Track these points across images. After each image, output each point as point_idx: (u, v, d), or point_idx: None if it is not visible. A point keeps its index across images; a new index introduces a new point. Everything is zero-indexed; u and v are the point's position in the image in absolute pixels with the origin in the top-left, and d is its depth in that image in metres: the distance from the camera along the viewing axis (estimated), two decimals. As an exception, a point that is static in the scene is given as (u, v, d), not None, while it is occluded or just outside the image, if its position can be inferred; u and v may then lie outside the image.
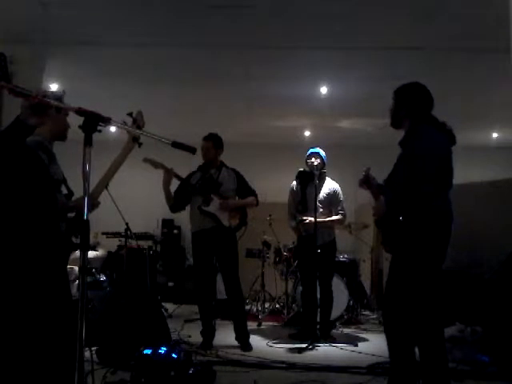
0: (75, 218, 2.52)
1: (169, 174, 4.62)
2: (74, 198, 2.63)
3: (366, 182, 3.25)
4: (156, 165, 4.61)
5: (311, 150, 5.23)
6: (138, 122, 2.57)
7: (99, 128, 1.87)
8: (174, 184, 4.76)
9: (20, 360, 2.22)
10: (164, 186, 4.65)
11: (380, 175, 3.31)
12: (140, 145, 2.59)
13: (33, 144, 2.40)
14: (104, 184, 2.55)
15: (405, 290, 2.98)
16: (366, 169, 3.29)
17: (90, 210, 2.15)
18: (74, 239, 2.53)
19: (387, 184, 3.14)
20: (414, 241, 2.93)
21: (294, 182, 5.31)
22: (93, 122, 1.85)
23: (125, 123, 2.48)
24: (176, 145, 2.02)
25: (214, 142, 4.83)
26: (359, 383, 3.69)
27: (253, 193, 4.94)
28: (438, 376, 2.90)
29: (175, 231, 8.87)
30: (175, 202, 4.78)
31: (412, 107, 3.06)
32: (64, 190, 2.61)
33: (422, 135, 2.98)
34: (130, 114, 2.56)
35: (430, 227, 2.92)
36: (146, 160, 4.58)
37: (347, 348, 4.85)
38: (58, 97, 2.47)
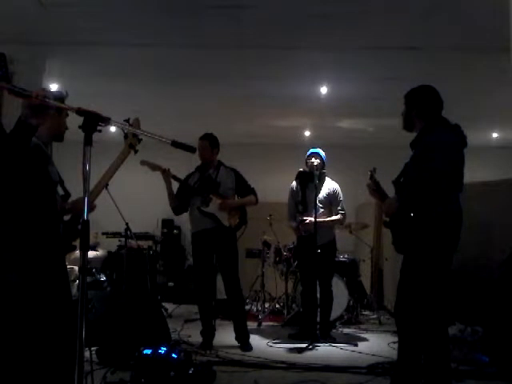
0: (71, 221, 2.52)
1: (167, 175, 4.62)
2: (70, 200, 2.63)
3: (377, 188, 3.25)
4: (154, 167, 4.63)
5: (311, 150, 5.23)
6: (134, 128, 2.57)
7: (99, 128, 1.87)
8: (174, 186, 4.77)
9: (20, 360, 2.22)
10: (167, 188, 4.67)
11: (380, 175, 3.31)
12: (136, 152, 2.60)
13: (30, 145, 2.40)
14: (99, 189, 2.56)
15: (416, 290, 2.99)
16: (372, 170, 3.29)
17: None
18: (72, 241, 2.53)
19: (397, 184, 3.16)
20: (425, 241, 2.94)
21: (294, 183, 5.32)
22: (93, 121, 1.85)
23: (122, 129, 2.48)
24: (176, 144, 2.02)
25: (209, 142, 4.83)
26: (359, 383, 3.70)
27: (252, 191, 4.94)
28: (440, 376, 2.91)
29: (175, 231, 8.86)
30: (179, 203, 4.79)
31: (422, 109, 3.12)
32: (60, 191, 2.61)
33: (434, 136, 3.01)
34: (127, 121, 2.56)
35: (442, 228, 2.94)
36: (143, 163, 4.58)
37: (347, 348, 4.85)
38: (59, 96, 2.47)
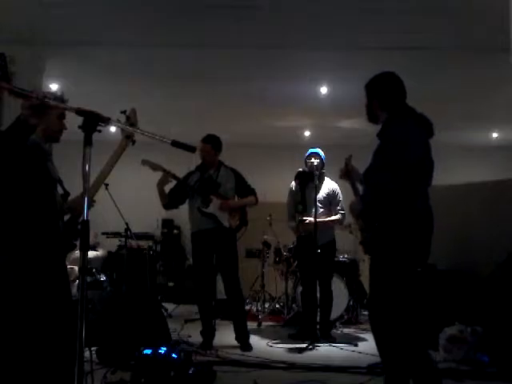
0: (71, 220, 2.52)
1: (167, 176, 4.60)
2: (70, 199, 2.63)
3: (347, 173, 3.10)
4: (154, 167, 4.60)
5: (311, 150, 5.23)
6: (131, 120, 2.56)
7: (99, 128, 1.87)
8: (172, 183, 4.76)
9: (20, 360, 2.22)
10: (158, 186, 4.65)
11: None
12: (133, 143, 2.59)
13: (29, 143, 2.40)
14: (99, 183, 2.55)
15: (386, 291, 2.89)
16: (348, 157, 3.14)
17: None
18: (72, 241, 2.53)
19: (365, 177, 3.01)
20: (391, 241, 2.81)
21: (293, 183, 5.31)
22: (92, 121, 1.85)
23: (118, 121, 2.47)
24: (176, 144, 2.02)
25: (213, 145, 4.81)
26: (359, 383, 3.70)
27: (252, 191, 4.93)
28: (425, 376, 2.86)
29: (175, 231, 8.86)
30: (169, 200, 4.79)
31: (384, 98, 2.96)
32: (60, 191, 2.62)
33: (396, 127, 2.85)
34: (124, 112, 2.56)
35: (408, 226, 2.78)
36: (144, 162, 4.57)
37: (347, 348, 4.85)
38: (57, 97, 2.47)
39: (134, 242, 6.58)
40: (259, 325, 6.04)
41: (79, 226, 1.83)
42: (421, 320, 2.94)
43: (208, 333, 4.76)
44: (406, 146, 2.76)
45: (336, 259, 5.71)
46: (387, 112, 2.95)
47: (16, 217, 2.29)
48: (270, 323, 6.18)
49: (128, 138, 2.56)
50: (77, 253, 1.92)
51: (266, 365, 4.16)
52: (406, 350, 2.85)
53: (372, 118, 3.07)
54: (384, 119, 2.97)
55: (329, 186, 5.26)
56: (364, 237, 3.05)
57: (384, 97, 2.97)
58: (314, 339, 4.81)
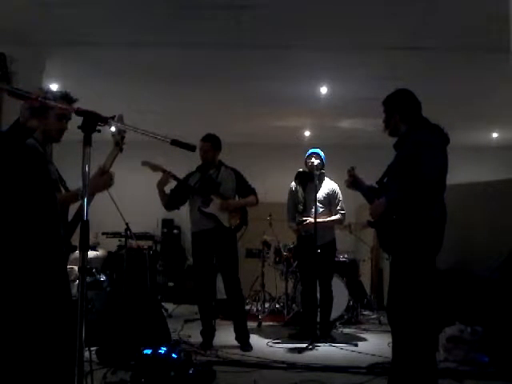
0: (74, 221, 2.52)
1: (167, 176, 4.60)
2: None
3: (354, 183, 3.29)
4: (155, 168, 4.60)
5: (311, 151, 5.23)
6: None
7: (98, 128, 1.87)
8: (172, 183, 4.76)
9: (20, 360, 2.22)
10: (159, 187, 4.65)
11: (380, 176, 3.31)
12: (121, 150, 2.59)
13: (28, 146, 2.40)
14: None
15: (404, 289, 2.99)
16: (350, 169, 3.33)
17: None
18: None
19: (381, 185, 3.15)
20: (412, 243, 2.94)
21: (293, 183, 5.32)
22: (92, 121, 1.85)
23: (120, 120, 2.46)
24: (175, 143, 2.02)
25: (212, 144, 4.82)
26: (359, 383, 3.70)
27: (252, 191, 4.94)
28: (425, 375, 2.90)
29: (175, 231, 8.86)
30: (169, 201, 4.79)
31: (405, 112, 3.14)
32: (62, 191, 2.61)
33: (422, 136, 3.00)
34: (112, 118, 2.56)
35: (429, 229, 2.93)
36: (144, 163, 4.57)
37: (347, 348, 4.85)
38: (60, 96, 2.47)
39: (133, 242, 6.57)
40: (259, 325, 6.04)
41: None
42: (436, 318, 3.01)
43: (208, 333, 4.76)
44: (431, 157, 2.91)
45: (336, 259, 5.71)
46: (407, 124, 3.13)
47: (15, 219, 2.29)
48: (270, 323, 6.18)
49: (117, 145, 2.56)
50: (77, 253, 1.92)
51: (265, 365, 4.17)
52: (420, 348, 2.92)
53: (393, 131, 3.23)
54: (404, 131, 3.14)
55: (329, 186, 5.26)
56: (384, 237, 3.16)
57: (405, 110, 3.15)
58: (313, 339, 4.81)
